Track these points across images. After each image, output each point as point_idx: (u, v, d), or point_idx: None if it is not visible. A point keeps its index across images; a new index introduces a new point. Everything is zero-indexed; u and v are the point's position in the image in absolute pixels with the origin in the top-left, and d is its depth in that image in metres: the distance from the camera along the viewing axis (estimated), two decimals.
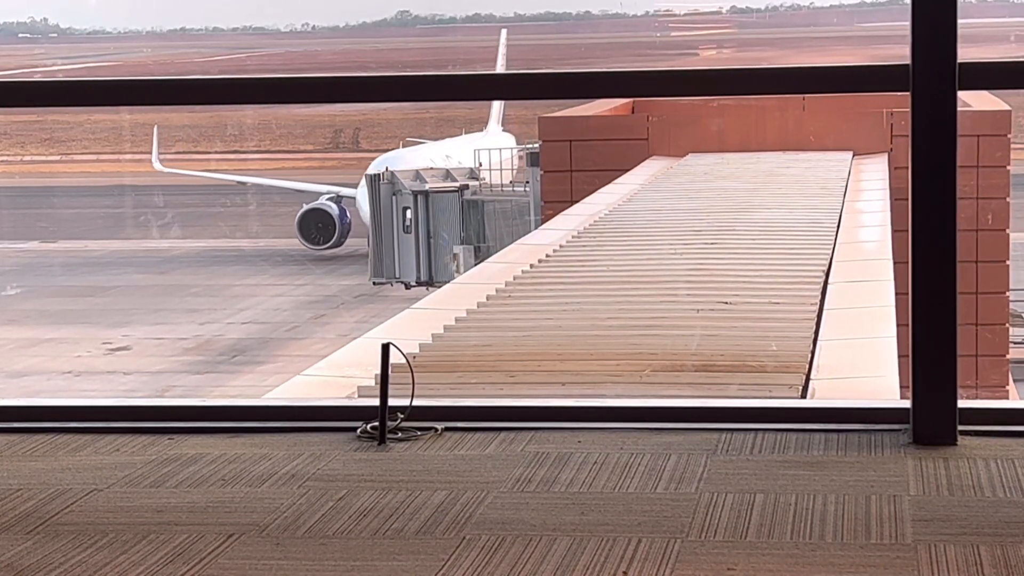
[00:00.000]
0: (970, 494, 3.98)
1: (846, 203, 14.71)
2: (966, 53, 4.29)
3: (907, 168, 4.38)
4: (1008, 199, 16.80)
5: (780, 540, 3.68)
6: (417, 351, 8.52)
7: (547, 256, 12.31)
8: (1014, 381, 16.63)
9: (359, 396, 7.22)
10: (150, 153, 27.44)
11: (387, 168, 22.60)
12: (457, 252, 21.83)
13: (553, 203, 16.90)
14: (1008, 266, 16.80)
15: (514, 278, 11.30)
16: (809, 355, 8.48)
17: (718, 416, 4.67)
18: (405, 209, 22.10)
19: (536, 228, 17.54)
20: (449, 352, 8.83)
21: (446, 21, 29.27)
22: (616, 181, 16.88)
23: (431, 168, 22.82)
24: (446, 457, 4.39)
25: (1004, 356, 16.55)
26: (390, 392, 4.58)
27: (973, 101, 16.69)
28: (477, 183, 22.70)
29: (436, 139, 26.66)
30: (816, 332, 9.07)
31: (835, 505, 3.90)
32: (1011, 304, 17.58)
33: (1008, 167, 16.79)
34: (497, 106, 26.55)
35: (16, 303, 26.02)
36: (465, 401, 5.08)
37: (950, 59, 4.27)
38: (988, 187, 16.38)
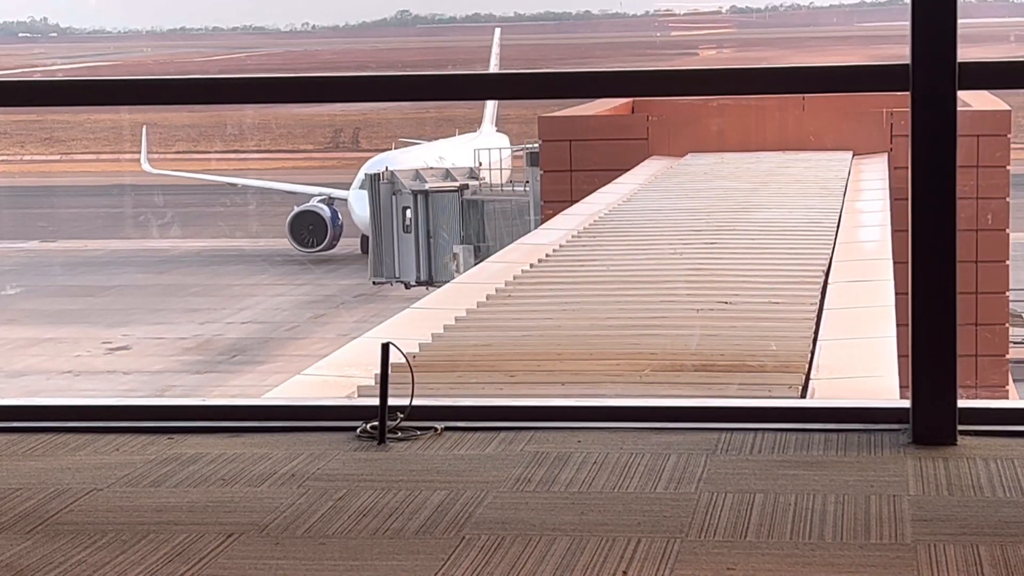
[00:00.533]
0: (970, 494, 3.98)
1: (846, 203, 14.71)
2: (966, 53, 4.29)
3: (907, 168, 4.38)
4: (1008, 199, 16.80)
5: (780, 540, 3.68)
6: (417, 351, 8.53)
7: (547, 256, 12.31)
8: (1014, 381, 16.63)
9: (359, 396, 7.22)
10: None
11: (387, 168, 22.60)
12: (457, 252, 21.83)
13: (553, 203, 16.91)
14: (1008, 266, 16.81)
15: (514, 278, 11.30)
16: (809, 355, 8.48)
17: (718, 416, 4.67)
18: (405, 209, 22.10)
19: (536, 228, 17.55)
20: (449, 352, 8.83)
21: (446, 21, 29.28)
22: (616, 181, 16.88)
23: (431, 168, 22.82)
24: (446, 457, 4.39)
25: (1004, 356, 16.55)
26: (390, 392, 4.58)
27: (973, 101, 16.70)
28: (477, 183, 22.70)
29: (435, 139, 26.66)
30: (816, 332, 9.08)
31: (835, 505, 3.90)
32: (1011, 304, 17.58)
33: (1008, 167, 16.80)
34: (491, 106, 26.51)
35: (16, 302, 26.03)
36: (465, 401, 5.08)
37: (950, 59, 4.27)
38: (988, 187, 16.38)
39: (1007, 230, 16.70)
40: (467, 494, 4.05)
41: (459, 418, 4.69)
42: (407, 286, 22.02)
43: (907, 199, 4.37)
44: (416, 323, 10.09)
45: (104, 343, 22.91)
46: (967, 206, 15.50)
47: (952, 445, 4.36)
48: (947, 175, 4.32)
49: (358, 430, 4.62)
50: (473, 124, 26.87)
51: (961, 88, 4.29)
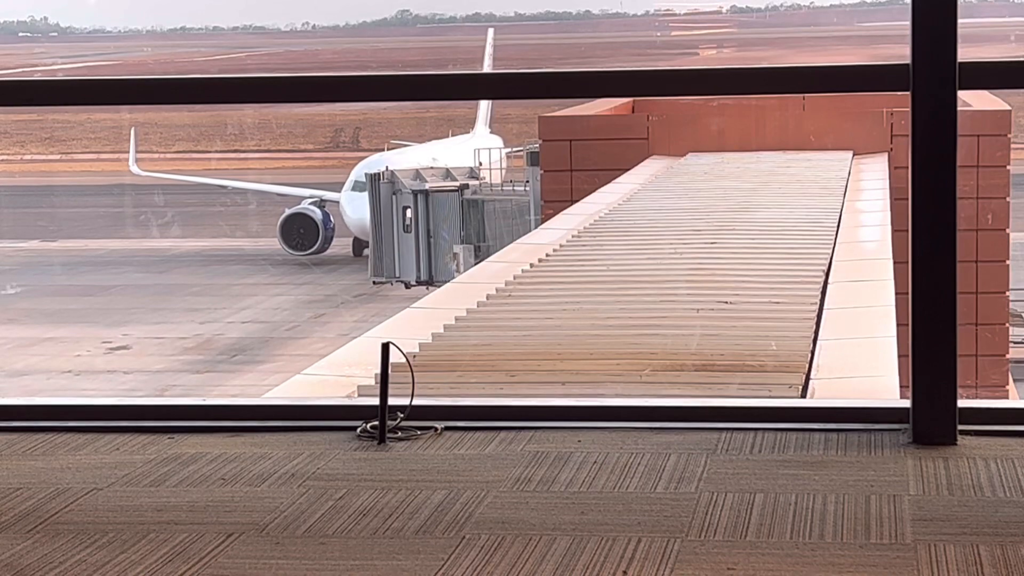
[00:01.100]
0: (970, 494, 3.98)
1: (846, 203, 14.71)
2: (966, 53, 4.29)
3: (907, 168, 4.38)
4: (1008, 199, 16.80)
5: (780, 540, 3.68)
6: (417, 350, 8.52)
7: (547, 255, 12.31)
8: (1014, 381, 16.63)
9: (359, 395, 7.22)
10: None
11: (387, 167, 22.59)
12: (457, 251, 21.83)
13: (553, 202, 16.90)
14: (1008, 266, 16.80)
15: (514, 277, 11.30)
16: (809, 355, 8.48)
17: (718, 416, 4.67)
18: (405, 208, 22.09)
19: (536, 227, 17.55)
20: (449, 351, 8.83)
21: (446, 20, 29.28)
22: (616, 180, 16.88)
23: (431, 167, 22.81)
24: (446, 456, 4.39)
25: (1004, 356, 16.55)
26: (390, 391, 4.58)
27: (973, 101, 16.69)
28: (477, 182, 22.69)
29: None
30: (816, 332, 9.08)
31: (835, 505, 3.90)
32: (1011, 304, 17.58)
33: (1008, 167, 16.79)
34: (484, 107, 26.45)
35: (16, 302, 26.03)
36: (465, 400, 5.08)
37: (950, 59, 4.27)
38: (988, 187, 16.38)
39: (1007, 230, 16.70)
40: (467, 494, 4.05)
41: (459, 418, 4.69)
42: (407, 286, 22.02)
43: (907, 199, 4.37)
44: (416, 323, 10.09)
45: (104, 343, 22.91)
46: (967, 206, 15.50)
47: (952, 445, 4.36)
48: (947, 175, 4.32)
49: (358, 430, 4.62)
50: (472, 124, 26.86)
51: (961, 88, 4.29)
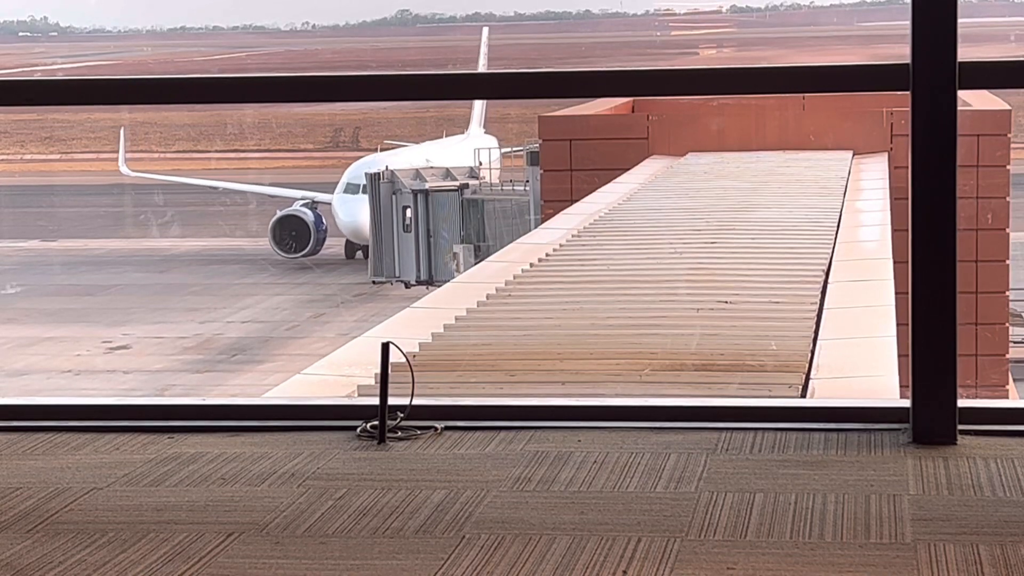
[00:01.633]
0: (970, 493, 3.98)
1: (846, 202, 14.71)
2: (966, 52, 4.29)
3: (907, 167, 4.38)
4: (1008, 198, 16.80)
5: (780, 539, 3.68)
6: (417, 350, 8.52)
7: (547, 255, 12.31)
8: (1014, 380, 16.63)
9: (359, 395, 7.22)
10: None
11: (387, 167, 22.59)
12: (457, 251, 21.83)
13: (553, 202, 16.90)
14: (1008, 265, 16.80)
15: (514, 277, 11.30)
16: (809, 354, 8.48)
17: (718, 415, 4.67)
18: (405, 208, 22.09)
19: (536, 227, 17.54)
20: (449, 351, 8.83)
21: (446, 20, 29.29)
22: (616, 180, 16.88)
23: (431, 167, 22.80)
24: (446, 456, 4.39)
25: (1004, 355, 16.55)
26: (390, 391, 4.58)
27: (973, 100, 16.70)
28: (477, 182, 22.69)
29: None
30: (816, 331, 9.07)
31: (835, 504, 3.90)
32: (1011, 303, 17.58)
33: (1008, 166, 16.80)
34: (479, 108, 26.39)
35: (16, 301, 26.04)
36: (465, 400, 5.08)
37: (950, 58, 4.27)
38: (988, 186, 16.38)
39: (1007, 229, 16.70)
40: (467, 493, 4.05)
41: (459, 417, 4.69)
42: (407, 285, 22.02)
43: (907, 198, 4.37)
44: (416, 322, 10.09)
45: (104, 342, 22.92)
46: (967, 205, 15.50)
47: (952, 444, 4.36)
48: (947, 175, 4.32)
49: (358, 429, 4.62)
50: (471, 123, 26.85)
51: (961, 88, 4.29)
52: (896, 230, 12.86)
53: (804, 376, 7.97)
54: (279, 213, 25.23)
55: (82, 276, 26.76)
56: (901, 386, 7.38)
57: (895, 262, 11.28)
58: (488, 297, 10.53)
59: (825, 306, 9.89)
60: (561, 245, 12.83)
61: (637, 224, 13.95)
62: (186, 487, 4.19)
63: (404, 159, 23.57)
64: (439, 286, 17.04)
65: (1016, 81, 4.72)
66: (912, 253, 4.37)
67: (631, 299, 10.33)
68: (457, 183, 22.36)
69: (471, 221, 22.16)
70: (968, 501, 3.92)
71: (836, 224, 13.33)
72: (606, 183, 16.71)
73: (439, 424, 4.63)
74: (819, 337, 8.94)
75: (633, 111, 18.98)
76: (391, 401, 4.59)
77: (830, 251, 11.92)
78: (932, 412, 4.39)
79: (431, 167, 22.76)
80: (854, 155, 17.79)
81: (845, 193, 15.32)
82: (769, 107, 18.51)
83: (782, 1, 28.65)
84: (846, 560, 3.54)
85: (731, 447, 4.39)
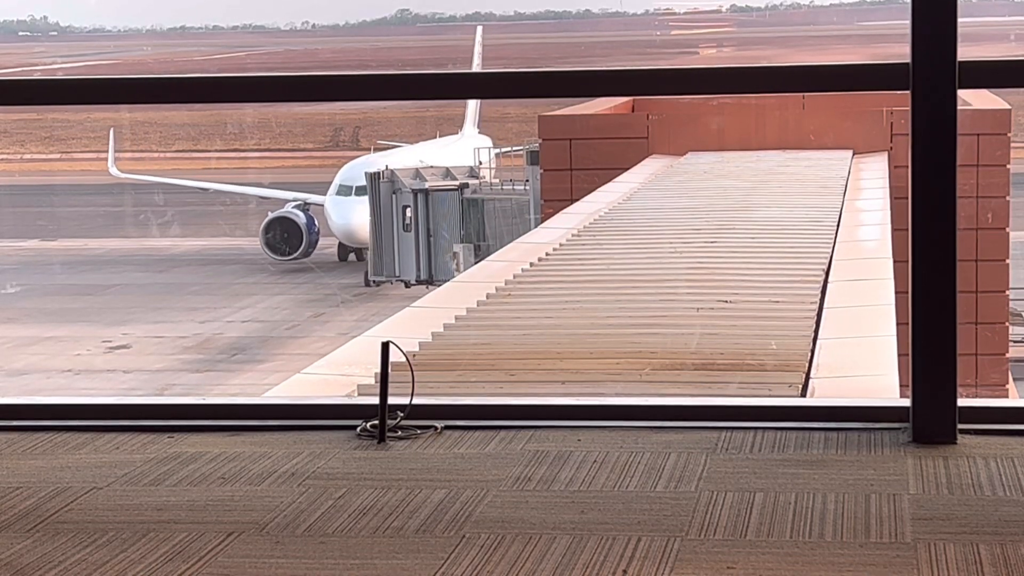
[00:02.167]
0: (970, 493, 3.98)
1: (846, 202, 14.71)
2: (966, 52, 4.29)
3: (907, 167, 4.38)
4: (1008, 198, 16.80)
5: (780, 539, 3.68)
6: (417, 349, 8.52)
7: (547, 255, 12.31)
8: (1014, 380, 16.62)
9: (359, 394, 7.22)
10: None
11: (387, 166, 22.58)
12: (457, 250, 21.83)
13: (553, 201, 16.89)
14: (1008, 265, 16.80)
15: (514, 276, 11.30)
16: (809, 354, 8.47)
17: (718, 415, 4.67)
18: (405, 207, 22.07)
19: (536, 226, 17.54)
20: (449, 350, 8.83)
21: (446, 19, 29.29)
22: (616, 180, 16.87)
23: (431, 166, 22.79)
24: (446, 455, 4.39)
25: (1004, 355, 16.54)
26: (390, 390, 4.58)
27: (973, 100, 16.69)
28: (477, 181, 22.68)
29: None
30: (816, 331, 9.07)
31: (835, 504, 3.90)
32: (1011, 303, 17.57)
33: (1008, 166, 16.79)
34: (473, 107, 26.31)
35: (16, 301, 26.03)
36: (465, 399, 5.08)
37: (950, 58, 4.27)
38: (988, 186, 16.37)
39: (1007, 229, 16.69)
40: (467, 493, 4.05)
41: (459, 417, 4.69)
42: (407, 285, 22.01)
43: (907, 198, 4.37)
44: (416, 322, 10.09)
45: (104, 342, 22.91)
46: (967, 205, 15.49)
47: (952, 444, 4.36)
48: (947, 174, 4.32)
49: (358, 429, 4.62)
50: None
51: (961, 87, 4.29)
52: (896, 229, 12.86)
53: (804, 375, 7.97)
54: (270, 215, 25.01)
55: (82, 276, 26.75)
56: (901, 385, 7.38)
57: (895, 261, 11.27)
58: (488, 296, 10.52)
59: (825, 305, 9.89)
60: (561, 244, 12.82)
61: (637, 223, 13.95)
62: (186, 486, 4.19)
63: (397, 160, 23.43)
64: (439, 285, 17.04)
65: (1016, 80, 4.72)
66: (912, 252, 4.37)
67: (631, 298, 10.33)
68: (457, 182, 22.35)
69: (471, 220, 22.15)
70: (968, 500, 3.92)
71: (836, 223, 13.33)
72: (606, 182, 16.70)
73: (439, 423, 4.63)
74: (819, 336, 8.94)
75: (633, 111, 18.97)
76: (391, 400, 4.59)
77: (830, 250, 11.92)
78: (932, 411, 4.39)
79: (431, 167, 22.75)
80: (854, 154, 17.79)
81: (845, 192, 15.32)
82: (769, 106, 18.51)
83: (782, 0, 28.66)
84: (846, 559, 3.54)
85: (731, 446, 4.39)
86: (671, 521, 3.81)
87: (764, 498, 3.95)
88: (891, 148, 17.44)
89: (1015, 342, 17.81)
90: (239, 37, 30.35)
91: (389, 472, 4.26)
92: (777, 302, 9.89)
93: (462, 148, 24.61)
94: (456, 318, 9.76)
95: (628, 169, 17.43)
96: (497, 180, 22.75)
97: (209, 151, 30.24)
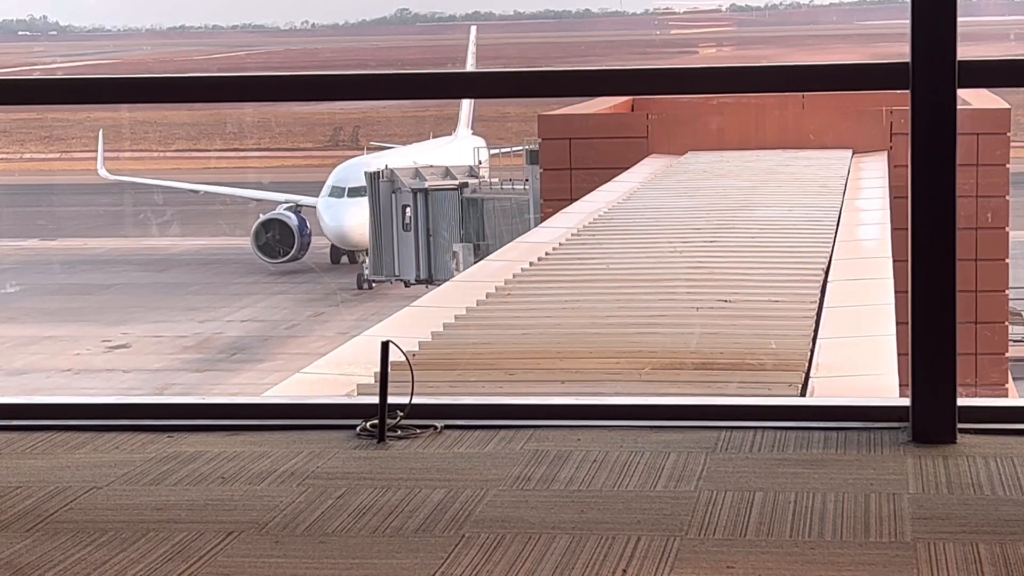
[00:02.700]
0: (969, 492, 3.98)
1: (846, 201, 14.71)
2: (966, 51, 4.29)
3: (907, 166, 4.38)
4: (1007, 197, 16.80)
5: (779, 538, 3.68)
6: (417, 349, 8.52)
7: (546, 254, 12.31)
8: (1013, 379, 16.63)
9: (358, 394, 7.22)
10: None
11: (386, 166, 22.58)
12: (456, 250, 21.83)
13: (552, 201, 16.89)
14: (1007, 264, 16.80)
15: (513, 276, 11.30)
16: (808, 353, 8.48)
17: (717, 414, 4.67)
18: (405, 207, 22.06)
19: (535, 226, 17.54)
20: (448, 350, 8.83)
21: (445, 19, 29.29)
22: (615, 179, 16.88)
23: (430, 166, 22.78)
24: (445, 455, 4.39)
25: (1003, 354, 16.54)
26: (390, 390, 4.58)
27: (973, 99, 16.69)
28: (476, 181, 22.68)
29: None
30: (815, 330, 9.07)
31: (834, 503, 3.90)
32: (1010, 302, 17.58)
33: (1007, 165, 16.80)
34: (466, 108, 26.25)
35: (16, 300, 26.04)
36: (464, 399, 5.09)
37: (950, 57, 4.27)
38: (988, 185, 16.38)
39: (1007, 228, 16.70)
40: (467, 492, 4.05)
41: (459, 416, 4.69)
42: (407, 284, 22.01)
43: (907, 197, 4.37)
44: (416, 321, 10.09)
45: (103, 341, 22.91)
46: (967, 204, 15.49)
47: (952, 443, 4.36)
48: (947, 173, 4.32)
49: (358, 428, 4.62)
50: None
51: (961, 86, 4.29)
52: (896, 229, 12.87)
53: (804, 375, 7.97)
54: (261, 217, 24.80)
55: (81, 275, 26.75)
56: (901, 385, 7.38)
57: (895, 261, 11.28)
58: (488, 296, 10.53)
59: (825, 305, 9.89)
60: (561, 244, 12.83)
61: (637, 223, 13.95)
62: (186, 486, 4.19)
63: (389, 162, 23.30)
64: (439, 285, 17.04)
65: (1016, 80, 4.73)
66: (912, 252, 4.37)
67: (631, 298, 10.33)
68: (456, 182, 22.35)
69: (470, 220, 22.14)
70: (968, 500, 3.92)
71: (836, 223, 13.33)
72: (605, 182, 16.71)
73: (439, 423, 4.63)
74: (819, 336, 8.94)
75: (633, 110, 18.98)
76: (391, 400, 4.59)
77: (830, 250, 11.93)
78: (932, 411, 4.39)
79: (430, 166, 22.74)
80: (854, 154, 17.79)
81: (845, 192, 15.32)
82: (769, 106, 18.51)
83: (781, 0, 28.67)
84: (846, 559, 3.54)
85: (731, 446, 4.39)
86: (671, 520, 3.81)
87: (764, 497, 3.95)
88: (891, 147, 17.44)
89: (1014, 341, 17.82)
90: (239, 36, 30.35)
91: (389, 472, 4.26)
92: (777, 302, 9.89)
93: (455, 149, 24.58)
94: (456, 318, 9.76)
95: (628, 169, 17.44)
96: (497, 180, 22.75)
97: (209, 151, 30.24)
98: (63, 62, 27.96)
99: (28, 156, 31.38)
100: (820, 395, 7.46)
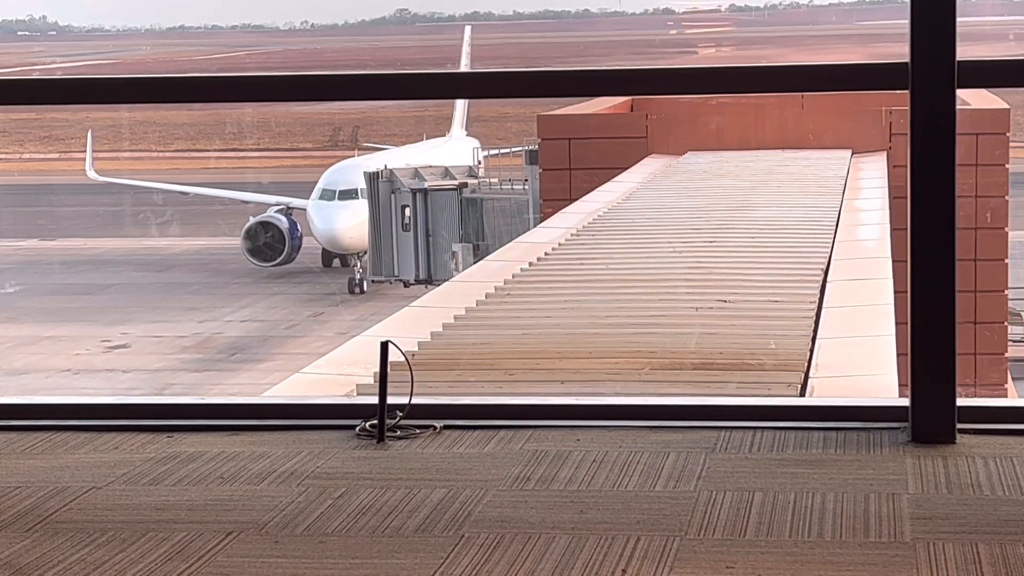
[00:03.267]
0: (969, 492, 3.98)
1: (845, 201, 14.72)
2: (965, 51, 4.29)
3: (906, 166, 4.38)
4: (1007, 197, 16.81)
5: (779, 538, 3.68)
6: (416, 349, 8.52)
7: (546, 254, 12.31)
8: (1013, 379, 16.63)
9: (358, 394, 7.22)
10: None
11: (386, 166, 22.57)
12: (456, 250, 21.83)
13: (552, 201, 16.90)
14: (1007, 264, 16.81)
15: (513, 276, 11.30)
16: (808, 353, 8.48)
17: (717, 414, 4.67)
18: (404, 207, 22.06)
19: (535, 226, 17.54)
20: (448, 350, 8.83)
21: (445, 19, 29.30)
22: (615, 179, 16.88)
23: (430, 166, 22.78)
24: (445, 455, 4.39)
25: (1003, 354, 16.55)
26: (389, 390, 4.58)
27: (972, 99, 16.69)
28: (476, 181, 22.67)
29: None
30: (815, 330, 9.07)
31: (834, 503, 3.90)
32: (1010, 302, 17.58)
33: (1007, 165, 16.80)
34: (460, 109, 26.20)
35: (15, 300, 26.04)
36: (464, 399, 5.08)
37: (949, 57, 4.27)
38: (987, 185, 16.38)
39: (1006, 228, 16.71)
40: (466, 492, 4.05)
41: (458, 416, 4.69)
42: (406, 284, 22.01)
43: (906, 197, 4.37)
44: (415, 321, 10.09)
45: (103, 341, 22.92)
46: (966, 204, 15.50)
47: (951, 443, 4.36)
48: (946, 173, 4.32)
49: (357, 428, 4.62)
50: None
51: (960, 87, 4.29)
52: (895, 229, 12.87)
53: (803, 375, 7.97)
54: (251, 220, 24.59)
55: (81, 275, 26.76)
56: (900, 385, 7.38)
57: (894, 261, 11.28)
58: (487, 296, 10.53)
59: (824, 305, 9.89)
60: (560, 244, 12.83)
61: (636, 223, 13.95)
62: (185, 486, 4.18)
63: (382, 164, 23.19)
64: (438, 285, 17.04)
65: (1015, 80, 4.72)
66: (911, 252, 4.37)
67: (630, 298, 10.33)
68: (456, 182, 22.34)
69: (470, 220, 22.14)
70: (967, 500, 3.92)
71: (835, 223, 13.34)
72: (605, 182, 16.71)
73: (438, 423, 4.63)
74: (818, 336, 8.94)
75: (632, 110, 18.98)
76: (390, 400, 4.59)
77: (829, 250, 11.93)
78: (931, 411, 4.39)
79: (429, 166, 22.74)
80: (853, 154, 17.80)
81: (844, 192, 15.32)
82: (768, 106, 18.51)
83: (781, 0, 28.68)
84: (845, 559, 3.54)
85: (730, 446, 4.39)
86: (670, 521, 3.81)
87: (763, 497, 3.95)
88: (890, 147, 17.45)
89: (1014, 342, 17.83)
90: (238, 37, 30.36)
91: (388, 472, 4.26)
92: (776, 302, 9.89)
93: (449, 150, 24.54)
94: (455, 318, 9.76)
95: (627, 169, 17.44)
96: (496, 180, 22.75)
97: (208, 151, 30.25)
98: (62, 62, 27.97)
99: (27, 156, 31.38)
100: (819, 395, 7.46)
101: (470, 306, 10.16)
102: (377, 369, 4.60)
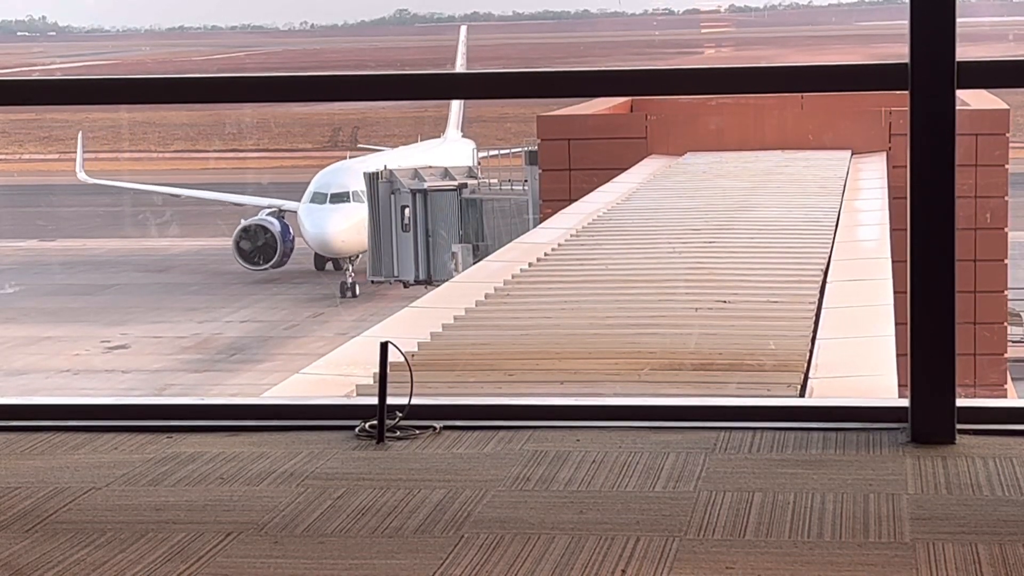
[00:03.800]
0: (968, 493, 3.98)
1: (845, 202, 14.72)
2: (965, 52, 4.29)
3: (906, 167, 4.38)
4: (1006, 198, 16.81)
5: (778, 539, 3.68)
6: (416, 349, 8.52)
7: (545, 255, 12.31)
8: (1012, 380, 16.63)
9: (357, 395, 7.22)
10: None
11: (385, 166, 22.57)
12: (455, 250, 21.83)
13: (551, 202, 16.90)
14: (1006, 265, 16.81)
15: (512, 277, 11.30)
16: (807, 354, 8.48)
17: (716, 415, 4.67)
18: (404, 208, 22.05)
19: (534, 227, 17.55)
20: (448, 351, 8.83)
21: (444, 19, 29.31)
22: (614, 180, 16.88)
23: (430, 166, 22.77)
24: (444, 456, 4.39)
25: (1002, 355, 16.55)
26: (389, 391, 4.58)
27: (972, 100, 16.70)
28: (475, 182, 22.67)
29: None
30: (814, 331, 9.07)
31: (833, 504, 3.90)
32: (1009, 303, 17.59)
33: (1006, 166, 16.80)
34: (456, 110, 26.16)
35: (15, 301, 26.04)
36: (463, 400, 5.08)
37: (949, 58, 4.27)
38: (986, 186, 16.38)
39: (1006, 229, 16.71)
40: (466, 493, 4.05)
41: (458, 417, 4.69)
42: (405, 285, 22.01)
43: (906, 198, 4.37)
44: (415, 322, 10.09)
45: (103, 342, 22.91)
46: (966, 205, 15.50)
47: (951, 444, 4.36)
48: (946, 174, 4.32)
49: (357, 429, 4.62)
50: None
51: (960, 87, 4.29)
52: (895, 229, 12.87)
53: (803, 375, 7.97)
54: (243, 223, 24.39)
55: (80, 275, 26.76)
56: (900, 385, 7.38)
57: (894, 261, 11.28)
58: (487, 297, 10.53)
59: (824, 305, 9.90)
60: (560, 245, 12.83)
61: (636, 224, 13.95)
62: (185, 487, 4.18)
63: (375, 166, 23.04)
64: (437, 285, 17.04)
65: (1015, 81, 4.72)
66: (911, 252, 4.37)
67: (630, 299, 10.33)
68: (455, 182, 22.34)
69: (469, 220, 22.14)
70: (967, 500, 3.92)
71: (835, 223, 13.34)
72: (605, 183, 16.71)
73: (438, 424, 4.63)
74: (818, 336, 8.94)
75: (632, 111, 18.99)
76: (390, 401, 4.59)
77: (829, 250, 11.93)
78: (931, 411, 4.39)
79: (429, 166, 22.73)
80: (853, 154, 17.80)
81: (844, 192, 15.32)
82: (768, 106, 18.52)
83: (780, 0, 28.69)
84: (845, 559, 3.54)
85: (730, 446, 4.39)
86: (670, 521, 3.81)
87: (763, 498, 3.95)
88: (890, 148, 17.45)
89: (1013, 342, 17.83)
90: (238, 37, 30.36)
91: (388, 472, 4.26)
92: (776, 302, 9.89)
93: (445, 152, 24.51)
94: (455, 318, 9.76)
95: (627, 169, 17.44)
96: (496, 180, 22.75)
97: (208, 151, 30.25)
98: (62, 63, 27.98)
99: (27, 156, 31.39)
100: (819, 396, 7.46)
101: (470, 307, 10.16)
102: (377, 370, 4.60)
